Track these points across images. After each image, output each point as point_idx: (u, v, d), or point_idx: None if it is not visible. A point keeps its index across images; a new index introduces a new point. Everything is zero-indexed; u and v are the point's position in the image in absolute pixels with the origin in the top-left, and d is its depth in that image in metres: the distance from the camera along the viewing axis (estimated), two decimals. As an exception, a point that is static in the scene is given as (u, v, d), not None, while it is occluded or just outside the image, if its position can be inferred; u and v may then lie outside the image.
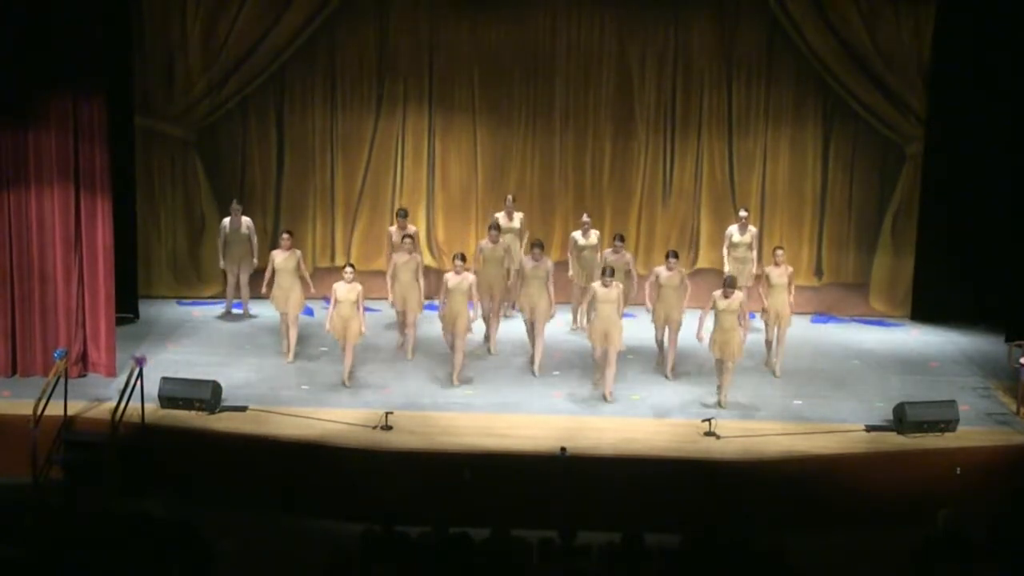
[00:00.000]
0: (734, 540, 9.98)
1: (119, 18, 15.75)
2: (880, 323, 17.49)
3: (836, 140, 17.54)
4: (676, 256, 15.07)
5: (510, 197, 16.70)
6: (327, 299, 14.64)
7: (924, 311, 17.42)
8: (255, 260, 16.74)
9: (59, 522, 10.05)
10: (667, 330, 15.02)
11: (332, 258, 17.93)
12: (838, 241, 17.77)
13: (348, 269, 14.54)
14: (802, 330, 16.32)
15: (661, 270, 14.97)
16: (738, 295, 14.17)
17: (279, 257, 15.28)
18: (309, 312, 16.17)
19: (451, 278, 14.62)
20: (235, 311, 17.04)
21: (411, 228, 16.13)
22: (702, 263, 17.73)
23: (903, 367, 15.74)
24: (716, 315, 14.15)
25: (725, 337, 14.03)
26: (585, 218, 16.48)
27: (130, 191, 16.47)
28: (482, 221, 17.71)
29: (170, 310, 17.32)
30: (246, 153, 17.72)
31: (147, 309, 17.02)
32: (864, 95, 17.07)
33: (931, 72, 16.87)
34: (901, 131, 17.21)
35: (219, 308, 17.19)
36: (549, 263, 15.24)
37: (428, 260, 17.53)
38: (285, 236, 15.41)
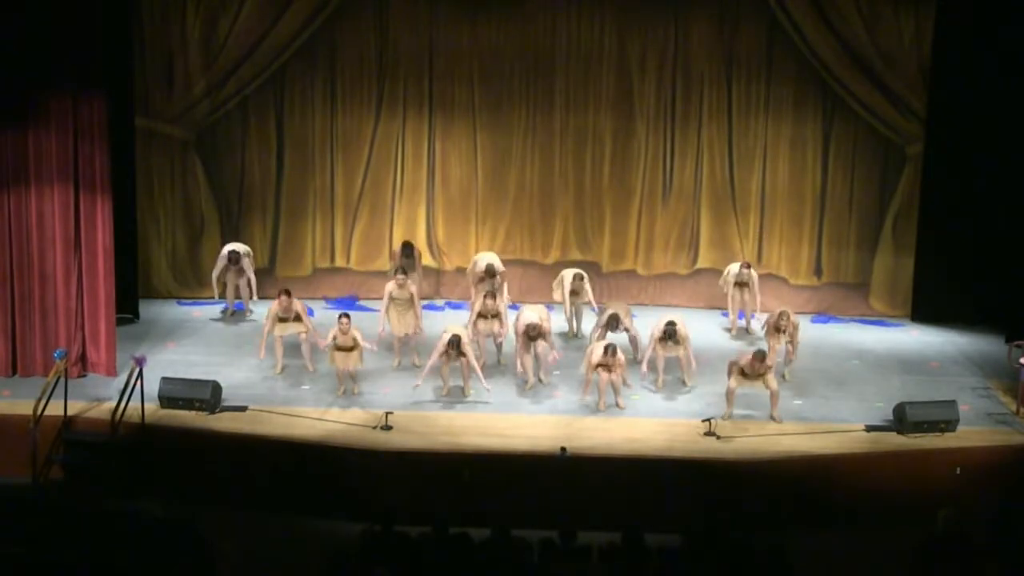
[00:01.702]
0: (734, 540, 9.98)
1: (119, 18, 15.72)
2: (880, 323, 17.47)
3: (836, 140, 17.50)
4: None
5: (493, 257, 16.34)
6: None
7: (924, 311, 17.39)
8: (254, 297, 16.55)
9: (59, 522, 10.04)
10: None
11: (332, 258, 17.90)
12: (838, 241, 17.73)
13: (343, 320, 14.05)
14: (802, 330, 16.27)
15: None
16: (768, 369, 13.80)
17: (280, 313, 14.73)
18: (310, 312, 16.13)
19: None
20: (237, 311, 17.02)
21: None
22: (702, 263, 17.70)
23: (903, 367, 15.73)
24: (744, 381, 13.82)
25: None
26: None
27: (130, 191, 16.45)
28: (482, 221, 17.72)
29: (170, 310, 17.30)
30: (246, 153, 17.69)
31: (147, 309, 16.99)
32: (864, 95, 17.04)
33: (931, 72, 16.85)
34: (901, 131, 17.19)
35: (219, 308, 17.15)
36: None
37: (427, 260, 17.54)
38: (282, 298, 14.75)
